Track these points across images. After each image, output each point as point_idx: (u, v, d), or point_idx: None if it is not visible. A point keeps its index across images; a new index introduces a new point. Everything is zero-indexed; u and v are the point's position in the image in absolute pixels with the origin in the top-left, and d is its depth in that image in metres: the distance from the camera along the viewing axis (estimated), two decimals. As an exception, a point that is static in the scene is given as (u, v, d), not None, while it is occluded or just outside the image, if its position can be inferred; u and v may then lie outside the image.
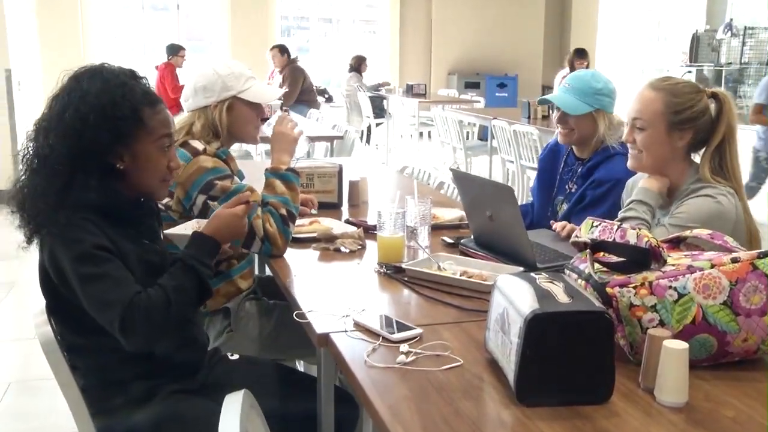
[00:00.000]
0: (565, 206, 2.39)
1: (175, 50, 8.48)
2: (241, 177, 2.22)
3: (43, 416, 2.81)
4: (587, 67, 8.07)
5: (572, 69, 7.99)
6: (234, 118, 2.12)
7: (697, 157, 1.90)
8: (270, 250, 1.98)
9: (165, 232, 1.59)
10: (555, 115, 2.37)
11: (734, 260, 1.29)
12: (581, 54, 8.10)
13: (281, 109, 5.88)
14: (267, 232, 1.96)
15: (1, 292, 4.25)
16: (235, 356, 1.87)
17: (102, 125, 1.45)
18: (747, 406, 1.17)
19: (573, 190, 2.38)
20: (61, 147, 1.46)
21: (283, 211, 1.99)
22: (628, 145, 1.91)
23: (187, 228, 1.62)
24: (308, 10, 11.27)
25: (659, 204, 1.87)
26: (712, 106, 1.84)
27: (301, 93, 8.17)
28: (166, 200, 1.95)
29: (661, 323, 1.28)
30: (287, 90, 7.65)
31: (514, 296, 1.22)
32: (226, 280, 2.15)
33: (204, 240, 1.59)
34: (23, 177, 1.52)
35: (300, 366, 2.54)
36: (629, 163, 1.93)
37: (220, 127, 2.10)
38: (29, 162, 1.51)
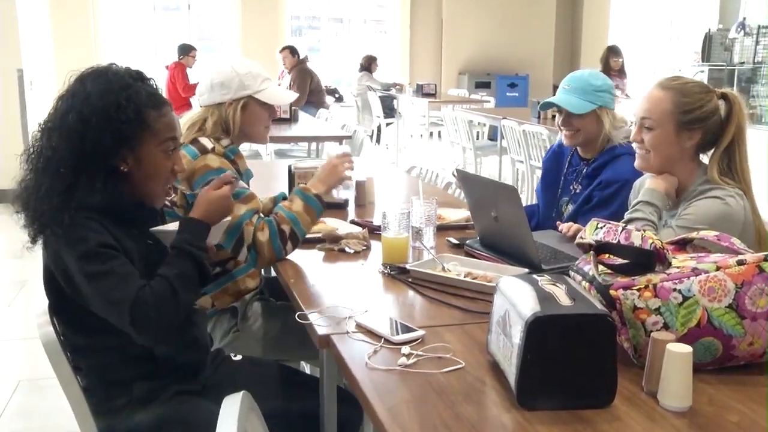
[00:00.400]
0: (570, 207, 2.38)
1: (186, 50, 8.52)
2: (250, 176, 2.22)
3: (51, 414, 2.82)
4: (623, 64, 7.90)
5: (606, 66, 7.81)
6: (247, 117, 2.12)
7: (705, 158, 1.88)
8: (255, 259, 1.94)
9: (151, 230, 1.59)
10: (558, 118, 2.36)
11: (740, 263, 1.27)
12: (616, 51, 7.90)
13: (290, 108, 5.88)
14: (256, 239, 1.92)
15: (13, 290, 4.28)
16: (239, 357, 1.87)
17: (104, 128, 1.46)
18: (751, 411, 1.16)
19: (578, 191, 2.37)
20: (63, 149, 1.46)
21: (285, 227, 1.94)
22: (636, 144, 1.89)
23: (176, 226, 1.63)
24: (319, 9, 11.29)
25: (666, 205, 1.85)
26: (722, 107, 1.82)
27: (309, 94, 8.18)
28: (170, 196, 1.95)
29: (666, 326, 1.26)
30: (297, 95, 7.65)
31: (516, 298, 1.21)
32: (233, 279, 2.15)
33: (195, 224, 1.58)
34: (28, 177, 1.52)
35: (307, 368, 2.53)
36: (636, 163, 1.92)
37: (233, 125, 2.11)
38: (34, 162, 1.51)
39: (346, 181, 2.19)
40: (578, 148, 2.40)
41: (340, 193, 2.20)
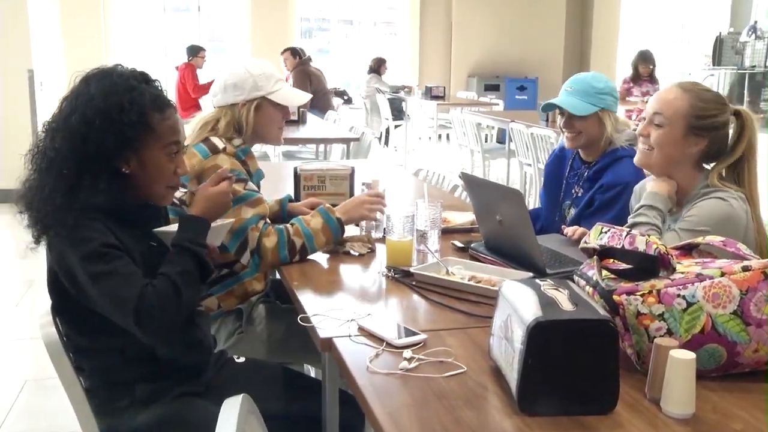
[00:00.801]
0: (572, 211, 2.37)
1: (195, 51, 8.55)
2: (261, 176, 2.22)
3: (58, 414, 2.82)
4: (653, 70, 7.65)
5: (636, 73, 7.55)
6: (260, 118, 2.13)
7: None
8: (258, 264, 1.95)
9: (155, 230, 1.59)
10: (560, 120, 2.36)
11: (745, 269, 1.26)
12: (646, 57, 7.60)
13: (298, 110, 5.88)
14: (261, 245, 1.93)
15: (21, 290, 4.30)
16: (242, 359, 1.87)
17: (107, 129, 1.46)
18: (755, 419, 1.14)
19: (580, 194, 2.36)
20: (66, 150, 1.46)
21: (297, 241, 1.96)
22: (641, 139, 1.89)
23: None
24: (329, 11, 11.30)
25: (668, 208, 1.84)
26: (734, 124, 1.82)
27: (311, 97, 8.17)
28: (179, 194, 1.96)
29: (669, 332, 1.25)
30: (311, 95, 7.64)
31: (518, 303, 1.20)
32: (239, 281, 2.15)
33: (194, 221, 1.59)
34: (32, 177, 1.53)
35: (312, 372, 2.53)
36: (636, 158, 1.91)
37: (246, 125, 2.11)
38: (38, 162, 1.52)
39: (373, 222, 2.19)
40: (580, 151, 2.40)
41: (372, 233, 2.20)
